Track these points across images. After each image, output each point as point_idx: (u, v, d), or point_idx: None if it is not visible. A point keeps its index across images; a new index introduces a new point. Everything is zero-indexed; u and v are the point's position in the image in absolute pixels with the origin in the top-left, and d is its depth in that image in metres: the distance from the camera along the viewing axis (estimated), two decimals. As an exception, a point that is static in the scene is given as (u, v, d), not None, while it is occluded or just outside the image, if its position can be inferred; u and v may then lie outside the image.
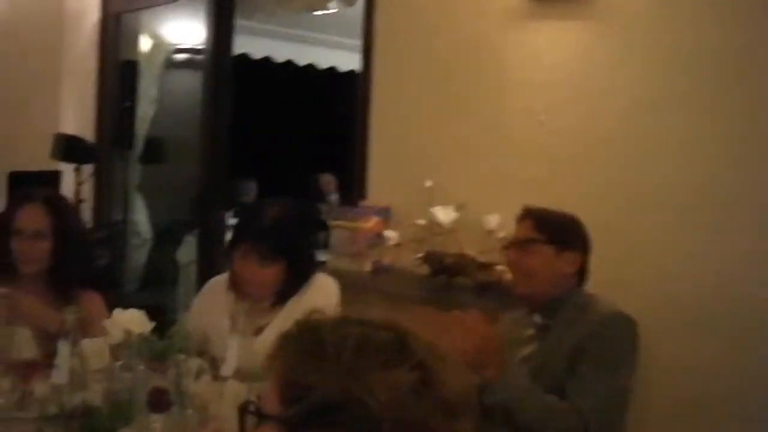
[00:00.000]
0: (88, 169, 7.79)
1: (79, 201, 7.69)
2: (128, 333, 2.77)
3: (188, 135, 7.83)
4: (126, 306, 3.01)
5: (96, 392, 2.69)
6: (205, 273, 6.24)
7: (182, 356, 2.83)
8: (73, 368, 2.80)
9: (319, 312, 1.49)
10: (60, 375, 2.81)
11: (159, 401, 2.62)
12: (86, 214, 7.88)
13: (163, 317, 3.53)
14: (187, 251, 8.15)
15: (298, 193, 9.55)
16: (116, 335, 2.79)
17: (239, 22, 7.58)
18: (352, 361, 1.34)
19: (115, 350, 2.81)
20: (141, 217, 8.66)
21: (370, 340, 1.38)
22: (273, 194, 9.37)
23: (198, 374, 2.85)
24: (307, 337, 1.42)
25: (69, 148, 7.55)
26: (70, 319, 2.90)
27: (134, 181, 8.56)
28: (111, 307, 3.19)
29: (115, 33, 8.20)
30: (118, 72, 8.16)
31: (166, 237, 8.66)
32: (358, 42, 5.91)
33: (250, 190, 10.08)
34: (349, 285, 3.91)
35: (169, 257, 8.45)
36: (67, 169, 7.61)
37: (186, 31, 8.53)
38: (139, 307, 3.01)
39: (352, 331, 1.40)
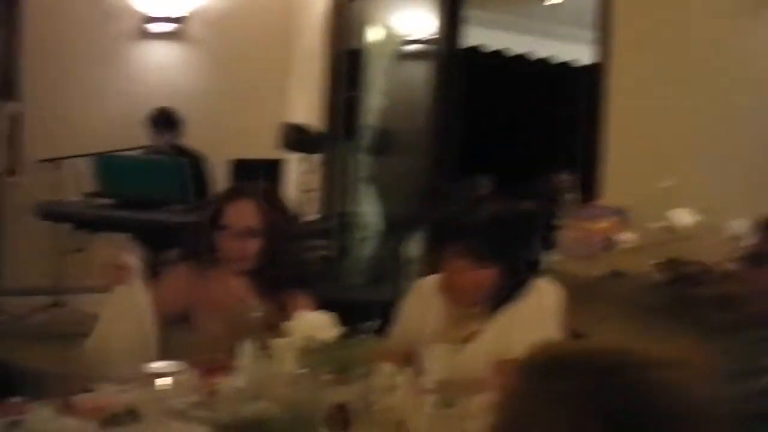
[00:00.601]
0: (315, 158, 7.73)
1: (307, 191, 7.67)
2: (310, 339, 2.50)
3: (419, 127, 7.68)
4: (348, 301, 2.80)
5: (276, 401, 2.44)
6: (432, 270, 6.09)
7: (366, 368, 2.54)
8: (256, 373, 2.57)
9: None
10: (240, 378, 2.61)
11: (337, 418, 2.36)
12: (314, 204, 7.86)
13: (386, 314, 3.44)
14: (415, 246, 7.97)
15: (531, 190, 9.21)
16: (298, 340, 2.53)
17: (472, 13, 7.37)
18: None
19: (302, 356, 2.55)
20: (368, 209, 8.54)
21: (592, 407, 1.08)
22: (504, 191, 9.09)
23: (391, 388, 2.56)
24: (523, 391, 1.24)
25: (297, 137, 7.52)
26: (255, 318, 2.69)
27: (362, 172, 8.45)
28: (326, 304, 2.97)
29: (342, 22, 8.11)
30: (344, 61, 8.07)
31: (393, 230, 8.51)
32: (593, 34, 5.65)
33: (481, 186, 9.81)
34: (577, 290, 3.61)
35: (396, 251, 8.28)
36: (290, 158, 7.57)
37: (416, 21, 8.35)
38: (362, 302, 2.78)
39: (571, 389, 1.10)
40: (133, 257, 3.34)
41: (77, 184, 7.10)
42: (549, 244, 5.25)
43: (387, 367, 2.71)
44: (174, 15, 8.43)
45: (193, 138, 7.38)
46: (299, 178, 7.73)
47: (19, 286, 7.72)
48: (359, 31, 8.30)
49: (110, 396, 2.62)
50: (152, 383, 2.65)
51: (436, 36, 7.39)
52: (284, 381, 2.51)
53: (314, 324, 2.60)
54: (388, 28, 8.47)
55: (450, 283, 3.30)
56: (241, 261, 3.43)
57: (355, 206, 8.45)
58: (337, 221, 8.09)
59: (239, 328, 2.99)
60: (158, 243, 6.12)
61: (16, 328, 6.86)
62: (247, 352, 2.70)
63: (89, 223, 6.90)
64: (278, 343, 2.65)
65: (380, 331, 3.15)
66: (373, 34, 8.41)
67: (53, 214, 6.91)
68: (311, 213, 7.89)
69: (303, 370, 2.51)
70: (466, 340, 3.23)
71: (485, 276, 3.22)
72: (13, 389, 2.67)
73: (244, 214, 3.44)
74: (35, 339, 6.25)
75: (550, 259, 5.00)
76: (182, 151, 7.22)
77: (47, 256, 7.42)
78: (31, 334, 6.63)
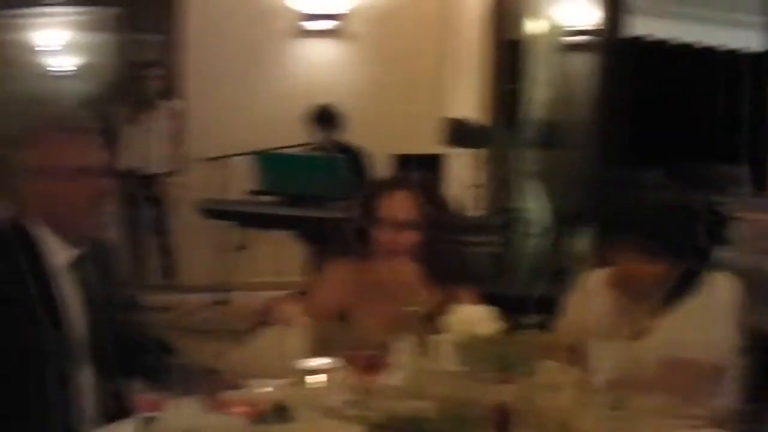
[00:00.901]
0: (479, 153, 7.65)
1: (471, 187, 7.60)
2: (470, 334, 2.38)
3: (584, 120, 7.53)
4: (513, 296, 2.68)
5: (434, 400, 2.33)
6: (600, 264, 5.95)
7: (529, 366, 2.41)
8: (413, 370, 2.47)
9: None
10: (396, 376, 2.53)
11: (497, 420, 2.23)
12: (479, 200, 7.79)
13: (552, 309, 3.34)
14: (583, 240, 7.79)
15: (700, 182, 8.94)
16: (456, 335, 2.41)
17: (636, 1, 7.17)
18: None
19: (461, 352, 2.43)
20: (535, 205, 8.39)
21: None
22: (672, 183, 8.81)
23: (555, 387, 2.42)
24: None
25: (460, 132, 7.45)
26: (413, 313, 2.59)
27: (527, 166, 8.31)
28: (491, 300, 2.86)
29: (502, 13, 8.01)
30: (503, 52, 7.96)
31: (560, 225, 8.34)
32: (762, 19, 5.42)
33: (649, 178, 9.56)
34: (755, 285, 3.39)
35: (562, 246, 8.12)
36: (453, 153, 7.51)
37: (578, 11, 8.16)
38: (528, 297, 2.66)
39: None
40: (297, 311, 3.25)
41: (240, 182, 7.15)
42: (722, 237, 5.02)
43: (551, 365, 2.60)
44: (330, 12, 8.54)
45: (354, 134, 7.39)
46: (463, 173, 7.65)
47: (184, 284, 7.86)
48: (519, 22, 8.17)
49: (261, 393, 2.56)
50: (306, 380, 2.58)
51: (599, 26, 7.19)
52: (442, 379, 2.41)
53: (474, 318, 2.49)
54: (549, 18, 8.31)
55: (619, 277, 3.19)
56: (397, 253, 3.34)
57: (520, 201, 8.31)
58: (503, 217, 7.98)
59: (397, 322, 2.90)
60: (320, 239, 6.12)
61: (181, 324, 6.96)
62: (404, 348, 2.62)
63: (252, 221, 6.96)
64: (436, 338, 2.55)
65: (545, 326, 3.02)
66: (534, 25, 8.26)
67: (216, 212, 6.99)
68: (476, 209, 7.81)
69: (462, 368, 2.39)
70: (637, 336, 3.07)
71: (656, 270, 3.08)
72: (164, 380, 2.65)
73: (400, 205, 3.35)
74: (199, 335, 6.34)
75: (724, 252, 4.77)
76: (343, 148, 7.24)
77: (212, 253, 7.51)
78: (195, 330, 6.72)
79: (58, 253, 2.60)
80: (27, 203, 2.58)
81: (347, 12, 8.56)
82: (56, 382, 2.54)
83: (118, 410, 2.55)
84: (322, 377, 2.60)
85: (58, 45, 8.63)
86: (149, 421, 2.23)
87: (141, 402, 2.28)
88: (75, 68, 8.71)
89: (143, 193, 7.85)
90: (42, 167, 2.54)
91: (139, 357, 2.82)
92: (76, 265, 2.64)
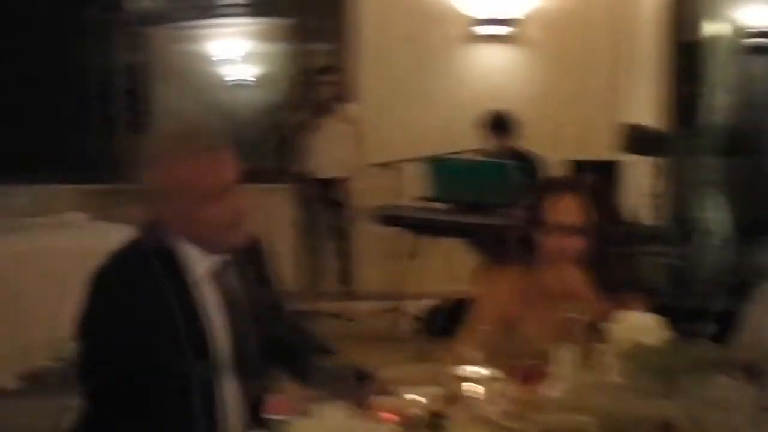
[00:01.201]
0: (657, 161, 7.44)
1: (649, 195, 7.41)
2: (636, 343, 2.24)
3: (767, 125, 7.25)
4: (690, 308, 2.56)
5: (595, 414, 2.20)
6: None
7: (699, 380, 2.25)
8: (574, 382, 2.36)
9: None
10: (556, 387, 2.42)
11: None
12: (657, 209, 7.60)
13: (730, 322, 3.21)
14: (764, 252, 7.50)
15: None
16: (620, 344, 2.28)
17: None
18: None
19: (625, 363, 2.30)
20: (715, 215, 8.11)
21: None
22: None
23: (728, 404, 2.27)
24: None
25: (638, 139, 7.27)
26: (577, 321, 2.47)
27: (707, 175, 8.05)
28: (666, 311, 2.73)
29: (680, 16, 7.77)
30: (681, 55, 7.72)
31: (742, 237, 8.04)
32: None
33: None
34: None
35: (743, 258, 7.82)
36: (630, 160, 7.33)
37: (759, 12, 7.89)
38: (705, 309, 2.53)
39: None
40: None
41: (413, 188, 7.11)
42: None
43: (725, 381, 2.41)
44: (503, 17, 8.52)
45: (529, 140, 7.31)
46: (641, 182, 7.46)
47: (356, 290, 7.89)
48: (697, 23, 7.93)
49: (413, 401, 2.49)
50: (462, 390, 2.49)
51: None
52: (605, 391, 2.28)
53: (640, 326, 2.35)
54: (729, 19, 8.04)
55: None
56: (563, 259, 3.22)
57: (700, 211, 8.05)
58: (681, 227, 7.74)
59: (562, 330, 2.79)
60: (489, 246, 6.03)
61: (351, 330, 6.99)
62: (565, 358, 2.50)
63: (424, 228, 6.90)
64: (600, 348, 2.43)
65: (720, 339, 2.86)
66: (713, 27, 8.00)
67: (389, 218, 6.96)
68: (655, 218, 7.60)
69: (626, 380, 2.26)
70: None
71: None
72: (314, 382, 2.61)
73: (567, 209, 3.22)
74: (369, 343, 6.34)
75: None
76: (518, 154, 7.16)
77: (385, 260, 7.50)
78: (365, 337, 6.74)
79: (200, 264, 2.58)
80: (166, 220, 2.55)
81: (521, 17, 8.50)
82: (199, 394, 2.54)
83: (261, 414, 2.52)
84: (480, 387, 2.51)
85: (236, 55, 8.80)
86: (283, 424, 2.19)
87: (275, 405, 2.24)
88: (253, 78, 8.87)
89: (323, 198, 7.90)
90: (174, 190, 2.49)
91: (288, 358, 2.81)
92: (219, 273, 2.62)
